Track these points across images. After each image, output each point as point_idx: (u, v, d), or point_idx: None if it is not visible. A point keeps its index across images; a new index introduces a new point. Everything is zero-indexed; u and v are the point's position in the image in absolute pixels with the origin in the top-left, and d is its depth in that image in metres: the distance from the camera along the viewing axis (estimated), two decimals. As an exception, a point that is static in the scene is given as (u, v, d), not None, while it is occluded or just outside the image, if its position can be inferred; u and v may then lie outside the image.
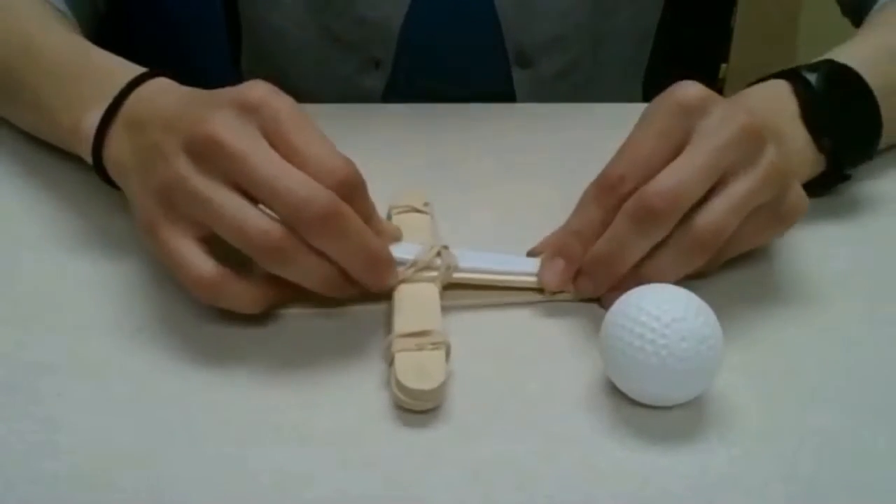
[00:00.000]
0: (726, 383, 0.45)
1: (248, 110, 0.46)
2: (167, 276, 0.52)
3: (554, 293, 0.51)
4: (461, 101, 0.71)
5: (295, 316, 0.49)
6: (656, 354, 0.42)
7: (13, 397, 0.45)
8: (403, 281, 0.50)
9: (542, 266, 0.51)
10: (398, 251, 0.50)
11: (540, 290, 0.51)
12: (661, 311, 0.42)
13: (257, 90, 0.46)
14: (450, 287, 0.51)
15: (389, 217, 0.56)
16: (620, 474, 0.41)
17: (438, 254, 0.50)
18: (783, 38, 1.64)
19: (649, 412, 0.44)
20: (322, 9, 0.78)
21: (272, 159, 0.45)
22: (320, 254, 0.45)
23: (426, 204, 0.57)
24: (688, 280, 0.48)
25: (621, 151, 0.50)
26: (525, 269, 0.51)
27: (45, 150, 0.63)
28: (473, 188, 0.61)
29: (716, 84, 1.29)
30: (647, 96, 0.94)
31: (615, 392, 0.45)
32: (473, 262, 0.51)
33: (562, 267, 0.50)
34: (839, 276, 0.54)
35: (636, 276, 0.48)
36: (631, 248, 0.47)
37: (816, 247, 0.56)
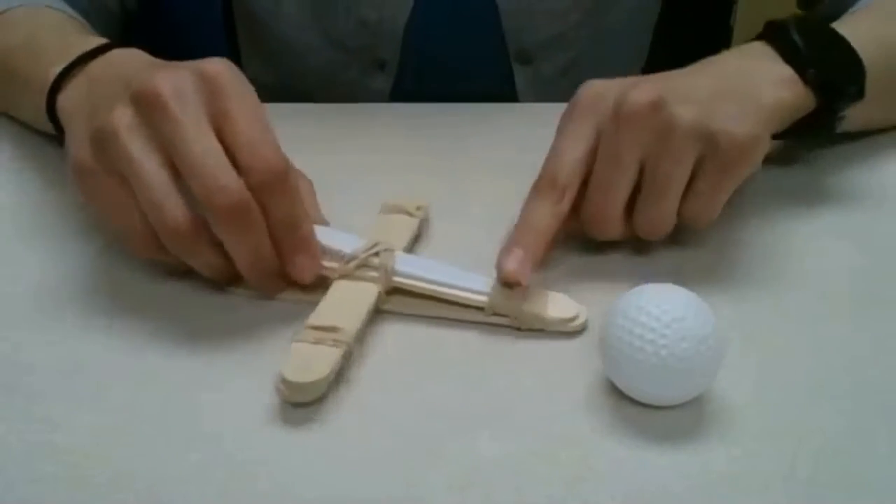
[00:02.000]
0: (726, 383, 0.45)
1: (203, 79, 0.47)
2: (167, 276, 0.52)
3: (497, 314, 0.49)
4: (464, 99, 0.71)
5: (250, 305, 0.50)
6: (656, 354, 0.42)
7: (13, 397, 0.45)
8: (344, 277, 0.50)
9: (501, 255, 0.50)
10: (339, 243, 0.51)
11: (481, 310, 0.49)
12: (661, 311, 0.42)
13: (217, 65, 0.48)
14: (395, 293, 0.50)
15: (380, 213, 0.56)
16: (620, 474, 0.41)
17: (377, 254, 0.50)
18: (783, 37, 1.63)
19: (649, 412, 0.44)
20: (324, 13, 0.78)
21: (204, 136, 0.46)
22: (220, 247, 0.47)
23: (419, 208, 0.56)
24: (687, 281, 0.48)
25: (549, 155, 0.52)
26: (473, 286, 0.50)
27: (46, 147, 0.63)
28: (472, 188, 0.61)
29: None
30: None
31: (615, 392, 0.45)
32: (421, 270, 0.50)
33: (521, 255, 0.50)
34: (839, 276, 0.54)
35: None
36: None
37: (816, 247, 0.56)
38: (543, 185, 0.51)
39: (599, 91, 0.52)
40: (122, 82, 0.49)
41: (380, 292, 0.50)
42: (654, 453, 0.42)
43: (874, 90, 0.58)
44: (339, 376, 0.46)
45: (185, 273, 0.51)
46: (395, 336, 0.49)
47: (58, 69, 0.56)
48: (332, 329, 0.46)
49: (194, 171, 0.45)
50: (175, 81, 0.46)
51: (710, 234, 0.55)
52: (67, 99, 0.55)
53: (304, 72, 0.82)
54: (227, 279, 0.50)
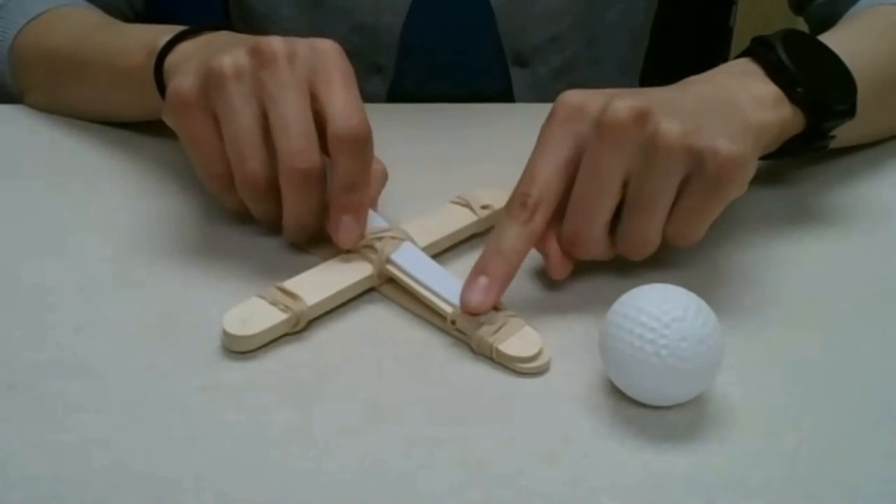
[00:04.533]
0: (726, 383, 0.45)
1: (314, 50, 0.52)
2: (166, 276, 0.52)
3: (455, 328, 0.48)
4: (461, 101, 0.71)
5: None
6: (656, 354, 0.42)
7: (13, 397, 0.45)
8: (351, 251, 0.52)
9: (466, 284, 0.48)
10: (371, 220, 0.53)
11: (443, 318, 0.49)
12: (661, 311, 0.42)
13: (327, 43, 0.53)
14: (390, 280, 0.51)
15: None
16: (620, 474, 0.41)
17: (380, 238, 0.51)
18: (783, 38, 1.64)
19: (649, 412, 0.44)
20: (321, 18, 0.79)
21: (301, 99, 0.50)
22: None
23: (484, 207, 0.56)
24: (687, 281, 0.48)
25: (524, 172, 0.50)
26: (447, 294, 0.49)
27: (49, 153, 0.63)
28: (472, 188, 0.61)
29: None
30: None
31: (615, 392, 0.45)
32: (411, 265, 0.51)
33: (485, 284, 0.48)
34: (839, 276, 0.54)
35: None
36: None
37: (816, 247, 0.56)
38: (513, 204, 0.49)
39: (580, 101, 0.49)
40: (235, 41, 0.53)
41: (373, 274, 0.51)
42: (654, 453, 0.42)
43: (867, 106, 0.57)
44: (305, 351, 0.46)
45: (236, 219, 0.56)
46: (395, 330, 0.49)
47: (166, 38, 0.58)
48: (293, 296, 0.48)
49: (283, 131, 0.49)
50: (291, 45, 0.51)
51: (710, 235, 0.54)
52: (175, 57, 0.57)
53: None
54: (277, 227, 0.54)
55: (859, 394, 0.46)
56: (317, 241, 0.54)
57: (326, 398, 0.45)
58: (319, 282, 0.50)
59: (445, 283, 0.50)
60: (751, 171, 0.50)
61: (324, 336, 0.49)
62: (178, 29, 0.59)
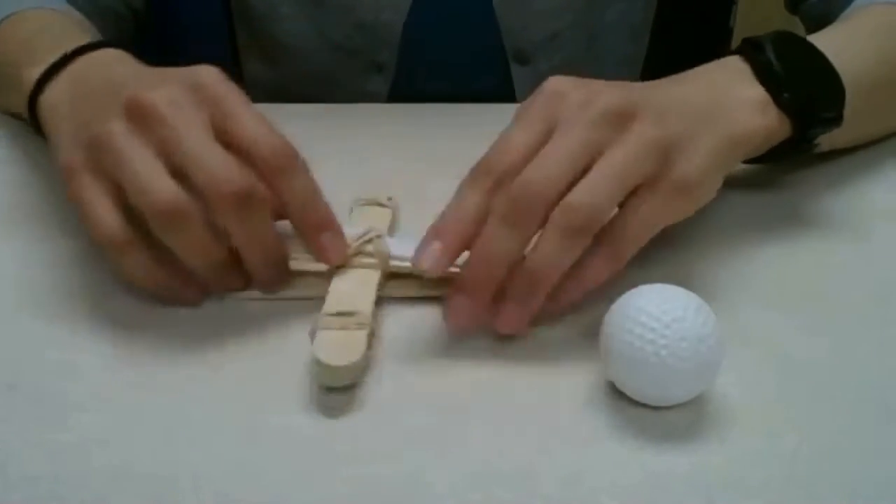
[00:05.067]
0: (726, 383, 0.45)
1: (195, 88, 0.47)
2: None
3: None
4: (463, 100, 0.71)
5: (242, 302, 0.50)
6: (656, 354, 0.42)
7: (14, 397, 0.45)
8: (342, 267, 0.50)
9: (418, 249, 0.47)
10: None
11: None
12: (661, 311, 0.42)
13: (207, 72, 0.48)
14: (395, 277, 0.51)
15: (352, 210, 0.57)
16: (620, 474, 0.41)
17: (370, 241, 0.51)
18: (783, 38, 1.64)
19: (649, 412, 0.44)
20: (322, 15, 0.79)
21: (201, 135, 0.46)
22: (217, 237, 0.47)
23: (390, 199, 0.58)
24: (687, 281, 0.48)
25: (495, 143, 0.48)
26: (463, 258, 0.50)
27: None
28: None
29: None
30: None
31: (615, 392, 0.45)
32: (410, 250, 0.50)
33: (438, 248, 0.46)
34: (839, 276, 0.54)
35: (520, 276, 0.46)
36: (504, 246, 0.46)
37: (816, 246, 0.56)
38: (478, 172, 0.47)
39: (564, 88, 0.49)
40: (110, 89, 0.49)
41: (380, 278, 0.51)
42: (653, 453, 0.42)
43: (858, 109, 0.56)
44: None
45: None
46: (393, 330, 0.49)
47: (40, 69, 0.55)
48: (352, 314, 0.47)
49: (196, 168, 0.45)
50: (169, 92, 0.47)
51: (710, 236, 0.55)
52: (49, 98, 0.54)
53: (301, 73, 0.83)
54: (217, 274, 0.49)
55: (859, 394, 0.46)
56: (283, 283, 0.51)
57: (325, 398, 0.45)
58: (353, 296, 0.49)
59: None
60: (711, 193, 0.50)
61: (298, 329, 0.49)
62: (55, 55, 0.55)
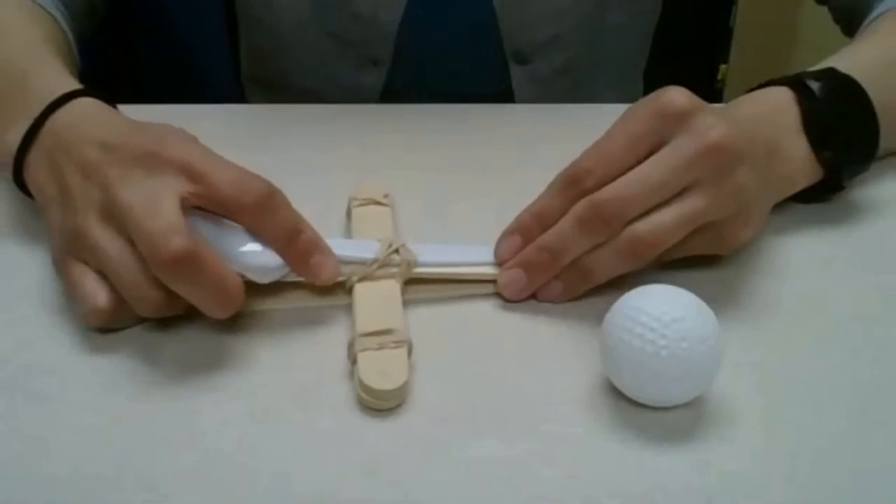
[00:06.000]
0: (726, 383, 0.45)
1: (163, 163, 0.47)
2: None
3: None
4: (459, 98, 0.71)
5: (262, 313, 0.50)
6: (656, 354, 0.42)
7: (13, 397, 0.45)
8: (364, 279, 0.50)
9: (499, 240, 0.52)
10: (357, 250, 0.51)
11: (493, 282, 0.51)
12: (661, 311, 0.42)
13: (172, 142, 0.48)
14: (411, 282, 0.51)
15: (349, 209, 0.57)
16: (620, 474, 0.41)
17: (397, 251, 0.51)
18: (783, 38, 1.64)
19: (649, 412, 0.44)
20: (319, 7, 0.79)
21: (146, 213, 0.45)
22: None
23: (386, 196, 0.57)
24: (686, 282, 0.48)
25: (594, 146, 0.50)
26: (485, 259, 0.52)
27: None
28: (472, 188, 0.61)
29: (715, 84, 1.29)
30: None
31: (615, 392, 0.45)
32: (433, 255, 0.52)
33: (518, 243, 0.51)
34: (839, 277, 0.54)
35: (570, 272, 0.50)
36: (572, 246, 0.49)
37: (817, 247, 0.56)
38: (569, 178, 0.50)
39: (683, 107, 0.48)
40: (84, 176, 0.49)
41: (400, 285, 0.51)
42: (654, 453, 0.42)
43: (890, 129, 0.58)
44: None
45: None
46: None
47: (14, 133, 0.53)
48: (387, 332, 0.47)
49: (138, 240, 0.45)
50: (132, 184, 0.46)
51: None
52: (32, 176, 0.53)
53: (296, 64, 0.83)
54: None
55: (859, 394, 0.46)
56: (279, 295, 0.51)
57: (326, 399, 0.45)
58: (382, 312, 0.49)
59: (473, 255, 0.52)
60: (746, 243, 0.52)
61: (324, 338, 0.49)
62: (22, 111, 0.54)
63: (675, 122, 0.48)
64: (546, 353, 0.48)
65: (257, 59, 0.87)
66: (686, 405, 0.44)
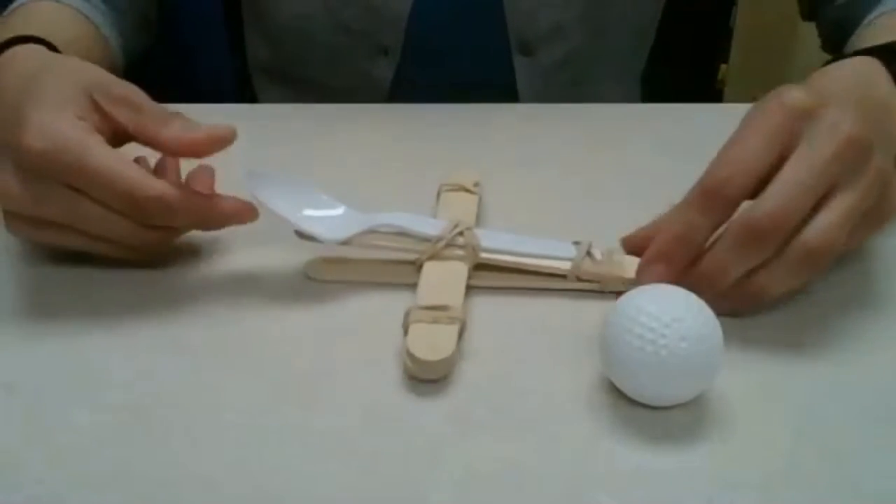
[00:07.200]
0: (726, 383, 0.45)
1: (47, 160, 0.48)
2: (164, 276, 0.52)
3: (580, 279, 0.51)
4: (465, 88, 0.71)
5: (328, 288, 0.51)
6: (656, 354, 0.42)
7: (14, 397, 0.45)
8: (433, 257, 0.51)
9: (641, 268, 0.49)
10: (425, 227, 0.52)
11: (563, 277, 0.51)
12: (661, 311, 0.42)
13: (34, 155, 0.48)
14: (481, 268, 0.52)
15: (439, 194, 0.58)
16: (620, 474, 0.41)
17: (461, 233, 0.52)
18: (783, 38, 1.64)
19: (649, 412, 0.44)
20: None
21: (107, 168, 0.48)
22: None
23: (476, 184, 0.58)
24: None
25: (725, 152, 0.48)
26: (557, 253, 0.52)
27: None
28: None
29: (715, 84, 1.29)
30: (646, 96, 0.94)
31: (615, 392, 0.45)
32: (501, 243, 0.52)
33: (663, 272, 0.48)
34: (839, 277, 0.54)
35: (740, 291, 0.48)
36: (735, 268, 0.47)
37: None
38: (706, 191, 0.47)
39: (805, 103, 0.47)
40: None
41: (469, 270, 0.51)
42: (654, 453, 0.42)
43: None
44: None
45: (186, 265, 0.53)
46: (391, 331, 0.49)
47: None
48: (444, 308, 0.48)
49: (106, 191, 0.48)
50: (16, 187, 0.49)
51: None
52: None
53: (307, 54, 0.83)
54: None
55: (859, 393, 0.46)
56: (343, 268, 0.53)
57: (326, 399, 0.45)
58: (443, 289, 0.49)
59: (540, 246, 0.52)
60: None
61: (320, 339, 0.49)
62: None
63: (805, 119, 0.47)
64: (546, 353, 0.48)
65: (263, 47, 0.87)
66: (686, 405, 0.44)
